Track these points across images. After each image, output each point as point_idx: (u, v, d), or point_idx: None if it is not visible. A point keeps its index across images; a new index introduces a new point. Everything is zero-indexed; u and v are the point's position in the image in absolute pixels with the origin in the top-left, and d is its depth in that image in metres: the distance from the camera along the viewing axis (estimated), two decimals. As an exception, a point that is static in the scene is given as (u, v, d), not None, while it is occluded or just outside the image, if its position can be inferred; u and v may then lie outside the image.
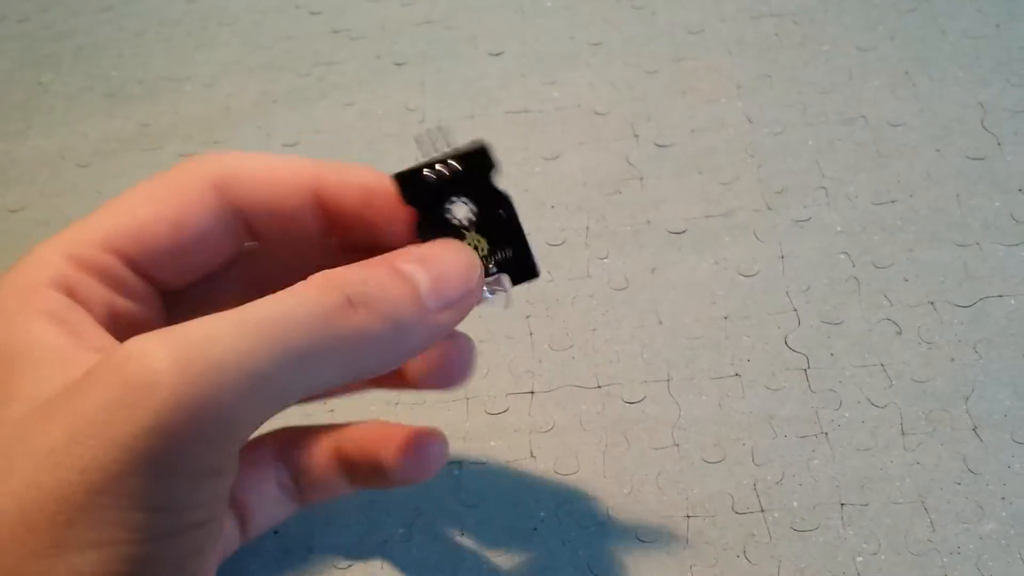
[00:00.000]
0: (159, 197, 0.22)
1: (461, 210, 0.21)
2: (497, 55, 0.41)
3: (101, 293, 0.21)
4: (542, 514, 0.28)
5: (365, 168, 0.22)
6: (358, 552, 0.28)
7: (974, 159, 0.34)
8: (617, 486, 0.29)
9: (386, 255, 0.20)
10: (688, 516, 0.28)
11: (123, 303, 0.22)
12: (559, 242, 0.34)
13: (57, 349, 0.19)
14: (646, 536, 0.27)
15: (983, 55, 0.37)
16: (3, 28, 0.47)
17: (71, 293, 0.21)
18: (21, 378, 0.19)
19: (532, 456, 0.30)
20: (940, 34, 0.38)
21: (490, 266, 0.22)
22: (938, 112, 0.36)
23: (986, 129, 0.35)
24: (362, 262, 0.20)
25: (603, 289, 0.33)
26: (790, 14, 0.40)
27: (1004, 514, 0.27)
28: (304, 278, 0.19)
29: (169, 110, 0.41)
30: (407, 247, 0.21)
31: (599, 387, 0.31)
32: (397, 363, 0.20)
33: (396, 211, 0.21)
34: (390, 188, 0.21)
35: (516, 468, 0.29)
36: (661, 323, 0.32)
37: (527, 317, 0.33)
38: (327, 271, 0.19)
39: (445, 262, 0.20)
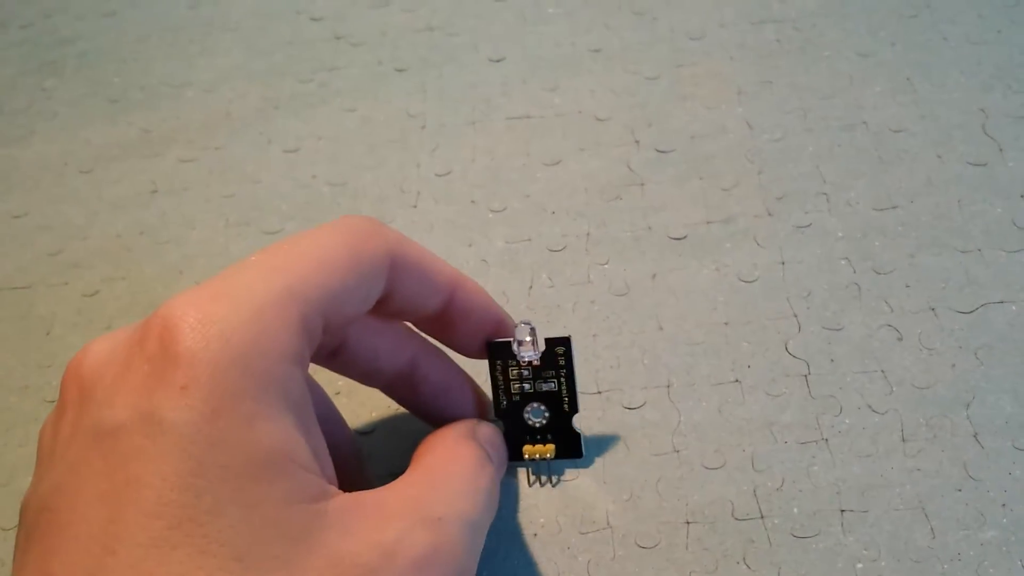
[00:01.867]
0: (357, 265, 0.22)
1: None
2: (498, 61, 0.41)
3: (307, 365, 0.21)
4: (542, 520, 0.28)
5: (487, 297, 0.27)
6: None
7: (975, 165, 0.34)
8: (617, 492, 0.28)
9: (468, 430, 0.26)
10: (688, 522, 0.28)
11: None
12: (560, 248, 0.34)
13: (298, 476, 0.18)
14: (646, 542, 0.27)
15: (984, 61, 0.37)
16: (6, 34, 0.47)
17: (303, 365, 0.20)
18: (273, 497, 0.18)
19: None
20: (941, 40, 0.38)
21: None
22: (939, 118, 0.36)
23: (987, 135, 0.35)
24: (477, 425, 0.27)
25: (604, 295, 0.33)
26: (791, 20, 0.40)
27: (1005, 521, 0.27)
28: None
29: (171, 116, 0.42)
30: (482, 425, 0.27)
31: (599, 392, 0.31)
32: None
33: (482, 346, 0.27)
34: (496, 320, 0.27)
35: (516, 474, 0.29)
36: (661, 329, 0.32)
37: (527, 323, 0.33)
38: (466, 435, 0.26)
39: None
